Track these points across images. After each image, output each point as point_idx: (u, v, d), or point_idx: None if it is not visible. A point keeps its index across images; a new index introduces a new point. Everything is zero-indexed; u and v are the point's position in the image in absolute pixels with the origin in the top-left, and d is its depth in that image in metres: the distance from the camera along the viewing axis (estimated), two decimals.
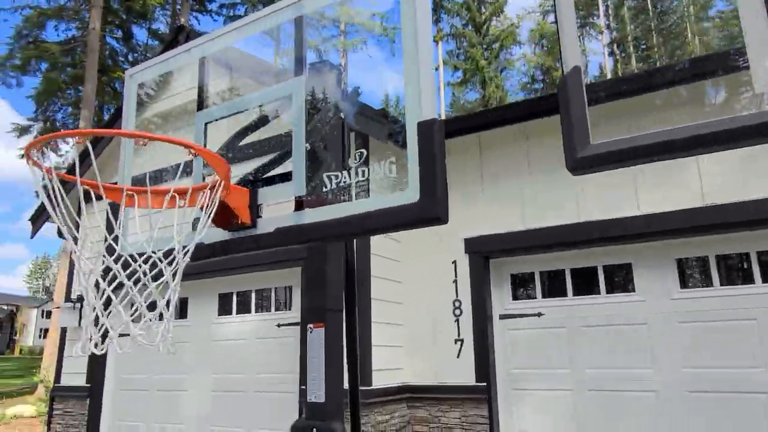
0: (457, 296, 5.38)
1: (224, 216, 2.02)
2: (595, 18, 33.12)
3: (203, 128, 2.33)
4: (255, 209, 2.08)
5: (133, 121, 2.58)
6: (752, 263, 4.42)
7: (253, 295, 6.11)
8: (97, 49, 19.46)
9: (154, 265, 1.81)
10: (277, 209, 2.27)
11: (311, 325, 2.43)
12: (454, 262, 5.46)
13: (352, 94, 2.69)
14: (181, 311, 6.50)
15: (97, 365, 6.82)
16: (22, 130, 21.24)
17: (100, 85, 20.20)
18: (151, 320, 1.55)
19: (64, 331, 7.19)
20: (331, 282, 2.45)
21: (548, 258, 5.21)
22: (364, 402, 5.06)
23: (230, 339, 6.11)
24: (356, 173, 1.87)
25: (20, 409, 11.92)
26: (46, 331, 45.45)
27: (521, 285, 5.40)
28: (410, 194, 1.74)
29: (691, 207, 4.47)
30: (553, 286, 5.21)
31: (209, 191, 1.83)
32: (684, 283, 4.66)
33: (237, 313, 6.18)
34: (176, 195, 1.96)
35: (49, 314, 47.08)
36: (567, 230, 4.96)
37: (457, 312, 5.35)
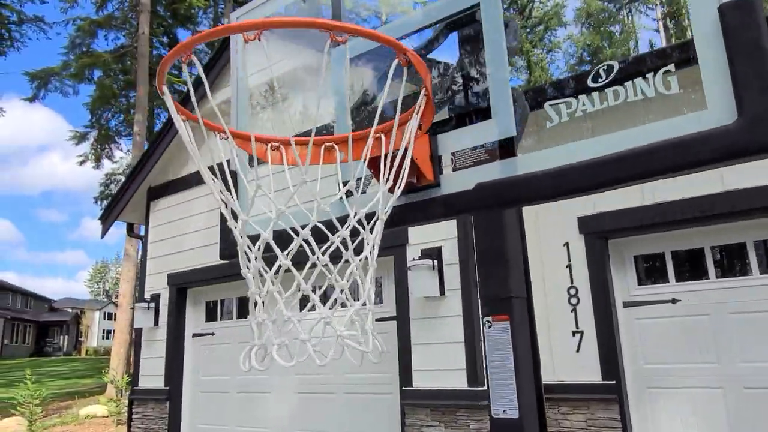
0: (572, 283, 4.73)
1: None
2: None
3: (346, 66, 1.81)
4: (437, 162, 1.53)
5: (245, 74, 2.10)
6: None
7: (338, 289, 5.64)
8: (148, 53, 19.61)
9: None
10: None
11: (490, 318, 1.88)
12: (566, 244, 4.81)
13: (512, 17, 2.11)
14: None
15: (174, 367, 6.54)
16: (80, 137, 21.76)
17: (151, 90, 20.36)
18: (357, 312, 1.04)
19: (139, 332, 6.95)
20: (513, 262, 1.89)
21: (681, 235, 4.49)
22: (473, 404, 4.51)
23: (315, 336, 5.66)
24: (603, 97, 1.29)
25: (93, 409, 12.00)
26: (109, 332, 47.14)
27: (648, 267, 4.69)
28: (714, 114, 1.15)
29: None
30: (689, 267, 4.49)
31: (415, 117, 1.29)
32: None
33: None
34: (335, 146, 1.44)
35: (110, 316, 48.76)
36: (706, 202, 4.22)
37: (573, 300, 4.70)
